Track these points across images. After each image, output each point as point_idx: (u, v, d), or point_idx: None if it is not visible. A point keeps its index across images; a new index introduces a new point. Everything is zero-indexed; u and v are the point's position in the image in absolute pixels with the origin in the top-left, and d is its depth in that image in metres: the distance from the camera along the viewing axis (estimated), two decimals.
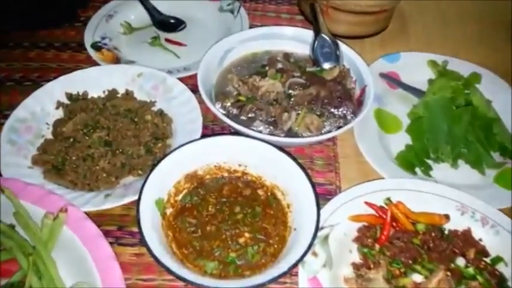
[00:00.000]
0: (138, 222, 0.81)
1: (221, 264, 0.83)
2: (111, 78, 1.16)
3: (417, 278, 0.80)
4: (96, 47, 1.29)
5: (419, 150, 1.06)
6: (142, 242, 0.78)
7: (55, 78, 1.13)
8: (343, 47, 1.20)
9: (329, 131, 1.05)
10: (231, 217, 0.91)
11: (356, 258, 0.87)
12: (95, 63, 1.24)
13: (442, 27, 1.49)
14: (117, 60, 1.27)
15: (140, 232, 0.79)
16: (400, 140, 1.12)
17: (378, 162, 1.03)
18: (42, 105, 1.09)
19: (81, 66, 1.24)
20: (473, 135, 1.05)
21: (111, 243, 0.89)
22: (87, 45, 1.28)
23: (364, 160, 1.05)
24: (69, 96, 1.13)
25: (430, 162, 1.07)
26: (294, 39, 1.22)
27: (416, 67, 1.27)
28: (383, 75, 1.25)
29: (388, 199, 0.92)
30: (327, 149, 1.11)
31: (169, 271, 0.75)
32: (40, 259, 0.76)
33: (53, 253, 0.80)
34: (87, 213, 0.87)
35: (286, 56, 1.23)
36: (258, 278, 0.76)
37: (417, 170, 1.05)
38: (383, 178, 1.01)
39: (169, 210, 0.91)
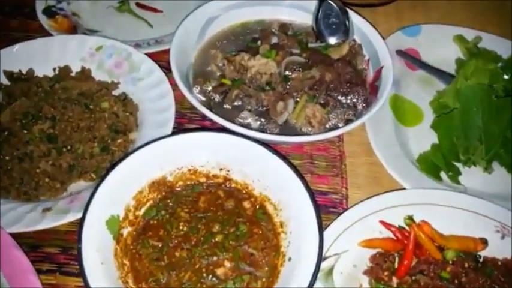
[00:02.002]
0: (78, 254, 0.60)
1: None
2: (64, 53, 0.95)
3: None
4: (50, 12, 1.07)
5: (447, 150, 0.85)
6: (83, 283, 0.58)
7: None
8: (354, 17, 0.98)
9: (335, 126, 0.85)
10: (207, 239, 0.71)
11: None
12: (48, 34, 1.01)
13: None
14: (74, 30, 1.05)
15: (80, 268, 0.59)
16: (421, 135, 0.92)
17: (394, 164, 0.84)
18: None
19: (33, 36, 1.02)
20: None
21: (52, 272, 0.71)
22: (38, 10, 1.06)
23: (376, 160, 0.86)
24: (10, 75, 0.92)
25: (459, 165, 0.86)
26: (292, 6, 1.03)
27: (440, 43, 1.07)
28: (400, 53, 1.04)
29: (410, 218, 0.72)
30: (331, 146, 0.90)
31: None
32: None
33: None
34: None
35: (283, 27, 1.00)
36: None
37: (443, 174, 0.85)
38: (401, 186, 0.81)
39: (126, 230, 0.71)
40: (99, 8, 1.12)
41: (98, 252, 0.63)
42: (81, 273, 0.58)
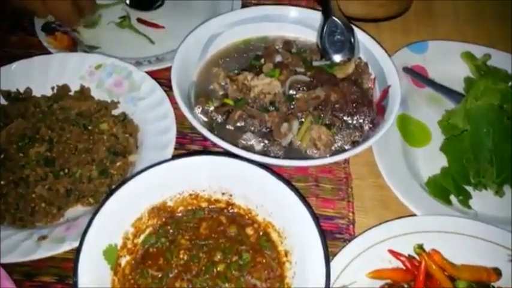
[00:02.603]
0: (74, 286, 0.57)
1: None
2: (62, 71, 0.93)
3: None
4: (49, 28, 1.05)
5: (457, 173, 0.82)
6: None
7: None
8: (360, 34, 0.95)
9: (341, 148, 0.82)
10: (209, 268, 0.68)
11: None
12: (47, 50, 0.99)
13: (478, 7, 1.22)
14: (73, 46, 1.02)
15: None
16: (430, 156, 0.89)
17: (402, 187, 0.81)
18: None
19: (33, 52, 0.99)
20: None
21: None
22: (37, 26, 1.04)
23: (383, 183, 0.83)
24: (7, 94, 0.89)
25: (469, 188, 0.83)
26: (297, 23, 1.00)
27: (448, 60, 1.04)
28: (407, 70, 1.01)
29: (420, 247, 0.69)
30: (337, 168, 0.87)
31: None
32: None
33: None
34: None
35: (287, 44, 0.98)
36: None
37: (453, 198, 0.82)
38: (409, 210, 0.78)
39: (125, 259, 0.68)
40: (99, 25, 1.10)
41: (95, 285, 0.60)
42: None
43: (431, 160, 0.88)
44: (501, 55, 1.02)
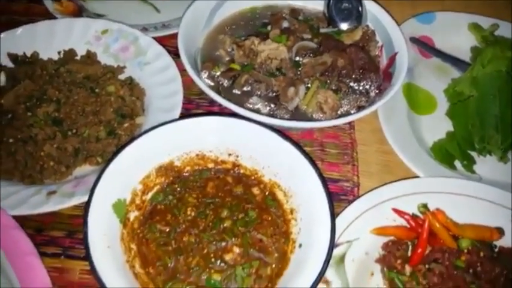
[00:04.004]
0: (84, 237, 0.59)
1: None
2: (69, 36, 0.93)
3: None
4: None
5: (462, 139, 0.83)
6: (90, 267, 0.56)
7: None
8: (368, 3, 0.95)
9: (347, 112, 0.82)
10: (216, 224, 0.69)
11: (380, 283, 0.67)
12: (51, 18, 0.99)
13: None
14: (79, 13, 1.03)
15: (87, 252, 0.57)
16: (435, 124, 0.90)
17: (407, 152, 0.82)
18: None
19: (37, 19, 0.99)
20: None
21: (57, 255, 0.69)
22: None
23: (389, 149, 0.84)
24: (14, 58, 0.90)
25: (473, 153, 0.84)
26: None
27: (455, 31, 1.04)
28: (414, 40, 1.01)
29: (425, 206, 0.70)
30: (342, 134, 0.88)
31: None
32: None
33: None
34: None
35: (294, 12, 0.98)
36: None
37: (457, 163, 0.83)
38: (415, 174, 0.79)
39: (133, 214, 0.69)
40: None
41: (104, 236, 0.61)
42: (87, 257, 0.57)
43: (437, 127, 0.88)
44: (508, 25, 1.02)
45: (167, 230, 0.69)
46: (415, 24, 1.03)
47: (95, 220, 0.61)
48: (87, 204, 0.62)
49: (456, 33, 1.03)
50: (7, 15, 1.05)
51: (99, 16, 1.04)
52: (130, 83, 0.87)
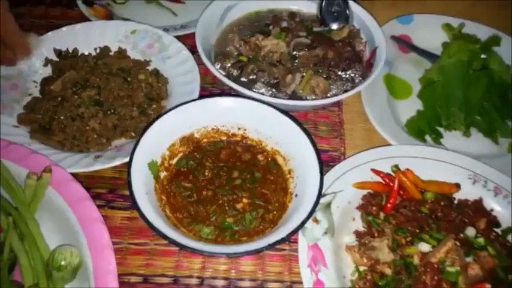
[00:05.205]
0: (128, 184, 0.76)
1: (217, 230, 0.79)
2: (103, 35, 1.09)
3: (424, 247, 0.76)
4: (88, 2, 1.22)
5: (430, 116, 0.99)
6: (133, 205, 0.73)
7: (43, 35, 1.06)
8: (354, 6, 1.12)
9: (335, 95, 0.99)
10: (228, 182, 0.86)
11: (359, 226, 0.83)
12: (86, 20, 1.16)
13: None
14: (109, 17, 1.19)
15: (131, 194, 0.74)
16: (410, 106, 1.06)
17: (385, 128, 0.98)
18: (30, 63, 1.02)
19: (73, 23, 1.16)
20: (489, 102, 0.98)
21: (101, 206, 0.86)
22: (78, 0, 1.20)
23: (371, 127, 1.00)
24: (58, 53, 1.06)
25: (441, 130, 1.01)
26: None
27: (430, 30, 1.20)
28: (395, 38, 1.18)
29: (396, 166, 0.86)
30: (332, 115, 1.04)
31: (162, 236, 0.71)
32: (22, 220, 0.72)
33: (36, 214, 0.76)
34: (75, 175, 0.82)
35: (292, 15, 1.15)
36: (255, 243, 0.71)
37: (427, 138, 0.99)
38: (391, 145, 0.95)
39: (163, 174, 0.86)
40: (129, 1, 1.27)
41: (143, 186, 0.78)
42: (130, 196, 0.73)
43: (411, 108, 1.04)
44: (474, 25, 1.18)
45: (190, 186, 0.85)
46: (395, 25, 1.20)
47: (135, 173, 0.78)
48: (130, 161, 0.78)
49: (431, 32, 1.19)
50: (46, 19, 1.23)
51: (125, 19, 1.22)
52: (156, 73, 1.04)
